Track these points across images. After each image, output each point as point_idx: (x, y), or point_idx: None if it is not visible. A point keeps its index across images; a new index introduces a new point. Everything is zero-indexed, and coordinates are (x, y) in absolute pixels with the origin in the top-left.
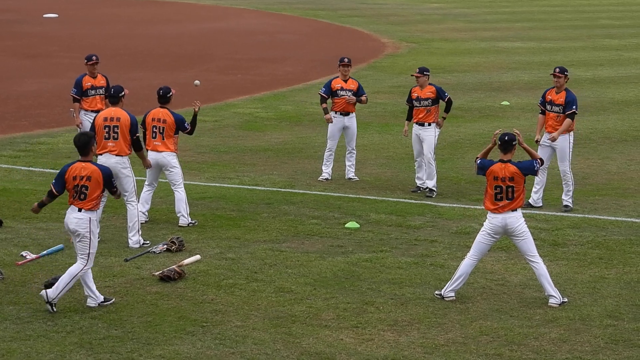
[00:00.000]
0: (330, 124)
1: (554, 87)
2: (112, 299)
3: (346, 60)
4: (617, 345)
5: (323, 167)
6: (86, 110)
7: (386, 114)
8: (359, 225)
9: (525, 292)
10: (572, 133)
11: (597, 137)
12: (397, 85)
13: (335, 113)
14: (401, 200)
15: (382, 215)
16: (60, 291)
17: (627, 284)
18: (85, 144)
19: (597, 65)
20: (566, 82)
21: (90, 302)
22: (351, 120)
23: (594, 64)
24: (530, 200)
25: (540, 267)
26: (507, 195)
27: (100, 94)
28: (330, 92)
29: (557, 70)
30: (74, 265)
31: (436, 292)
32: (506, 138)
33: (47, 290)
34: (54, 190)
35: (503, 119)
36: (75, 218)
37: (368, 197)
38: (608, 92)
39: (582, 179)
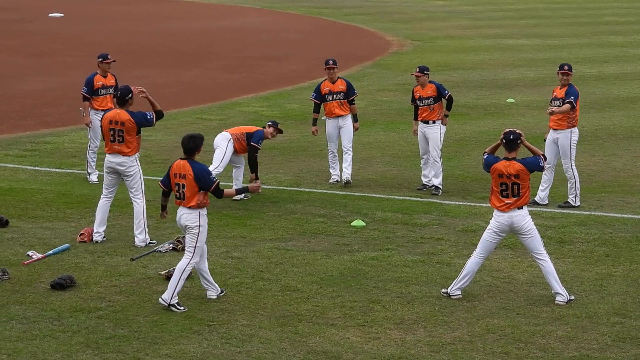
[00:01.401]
0: (326, 127)
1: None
2: (224, 290)
3: (331, 62)
4: (624, 343)
5: (330, 170)
6: (96, 109)
7: (391, 112)
8: (364, 224)
9: (531, 290)
10: (574, 130)
11: (602, 134)
12: (402, 83)
13: (329, 119)
14: (407, 198)
15: (388, 214)
16: (174, 290)
17: (634, 281)
18: (191, 149)
19: (602, 62)
20: (570, 77)
21: (211, 294)
22: (345, 121)
23: (599, 61)
24: (536, 198)
25: (547, 264)
26: (512, 192)
27: (111, 94)
28: (321, 97)
29: (566, 67)
30: (181, 260)
31: (442, 290)
32: (511, 137)
33: (162, 295)
34: (162, 187)
35: (508, 116)
36: (186, 213)
37: (374, 195)
38: (613, 88)
39: (588, 176)
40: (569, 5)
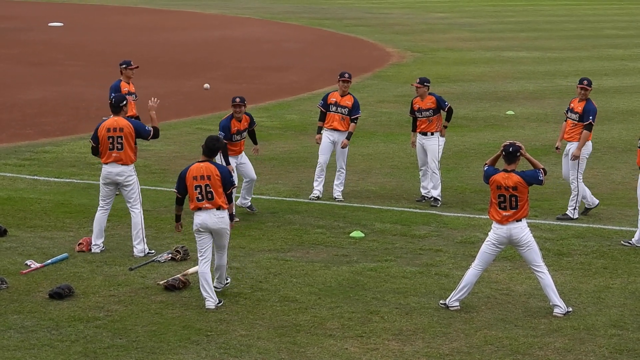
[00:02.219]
0: (322, 138)
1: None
2: (222, 301)
3: (347, 75)
4: (621, 355)
5: (314, 184)
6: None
7: (391, 123)
8: (363, 235)
9: (529, 301)
10: (587, 144)
11: (601, 147)
12: (402, 94)
13: (326, 129)
14: (406, 209)
15: (387, 225)
16: (212, 289)
17: (631, 294)
18: (215, 150)
19: (602, 75)
20: (590, 92)
21: (209, 305)
22: (341, 137)
23: (598, 74)
24: (586, 206)
25: (545, 277)
26: (510, 204)
27: (134, 100)
28: (326, 106)
29: (586, 82)
30: (219, 259)
31: (441, 301)
32: (510, 149)
33: (207, 302)
34: (177, 194)
35: (508, 128)
36: (217, 217)
37: (373, 206)
38: (613, 101)
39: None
40: (570, 18)
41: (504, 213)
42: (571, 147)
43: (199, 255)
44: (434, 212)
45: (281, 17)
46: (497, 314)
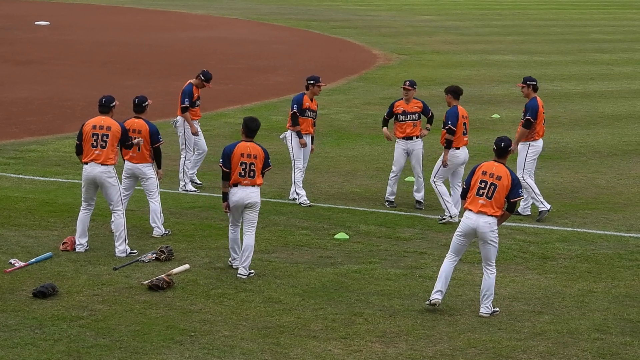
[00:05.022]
0: (296, 143)
1: None
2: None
3: (320, 80)
4: (604, 359)
5: (298, 191)
6: (192, 119)
7: (377, 126)
8: (348, 237)
9: (513, 304)
10: (532, 143)
11: (586, 151)
12: (388, 96)
13: (300, 134)
14: (390, 211)
15: (372, 227)
16: (249, 263)
17: (615, 298)
18: (255, 130)
19: (588, 79)
20: (531, 90)
21: (242, 272)
22: (310, 140)
23: (584, 78)
24: (519, 209)
25: (493, 277)
26: (488, 192)
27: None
28: (301, 111)
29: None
30: (248, 239)
31: (426, 302)
32: (502, 144)
33: (239, 272)
34: (224, 169)
35: (494, 131)
36: (254, 192)
37: (357, 208)
38: (598, 106)
39: (571, 192)
40: (556, 22)
41: (480, 201)
42: (520, 147)
43: (230, 225)
44: (419, 214)
45: (267, 18)
46: (480, 317)
